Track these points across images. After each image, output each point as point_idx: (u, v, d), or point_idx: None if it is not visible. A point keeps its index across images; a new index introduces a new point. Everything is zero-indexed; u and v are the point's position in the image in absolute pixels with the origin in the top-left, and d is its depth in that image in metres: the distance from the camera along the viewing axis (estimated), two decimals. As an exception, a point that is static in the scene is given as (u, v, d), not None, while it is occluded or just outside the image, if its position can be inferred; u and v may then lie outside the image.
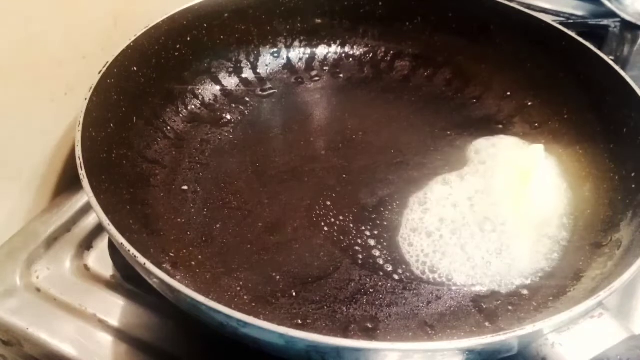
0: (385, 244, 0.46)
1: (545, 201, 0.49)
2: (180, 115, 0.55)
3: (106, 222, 0.36)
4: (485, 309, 0.41)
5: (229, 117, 0.57)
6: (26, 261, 0.47)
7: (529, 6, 0.74)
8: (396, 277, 0.43)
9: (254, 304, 0.41)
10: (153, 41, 0.52)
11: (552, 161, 0.52)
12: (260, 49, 0.62)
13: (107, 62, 0.47)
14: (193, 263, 0.44)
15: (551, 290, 0.42)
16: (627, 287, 0.44)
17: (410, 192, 0.50)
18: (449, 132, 0.56)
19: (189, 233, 0.46)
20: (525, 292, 0.42)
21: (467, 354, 0.32)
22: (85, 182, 0.39)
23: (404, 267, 0.44)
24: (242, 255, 0.45)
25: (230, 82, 0.60)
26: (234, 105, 0.58)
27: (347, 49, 0.64)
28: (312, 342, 0.31)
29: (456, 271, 0.44)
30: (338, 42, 0.64)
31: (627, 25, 0.71)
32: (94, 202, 0.37)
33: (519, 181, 0.50)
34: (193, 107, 0.57)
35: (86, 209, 0.51)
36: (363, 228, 0.47)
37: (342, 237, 0.46)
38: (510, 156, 0.52)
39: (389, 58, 0.63)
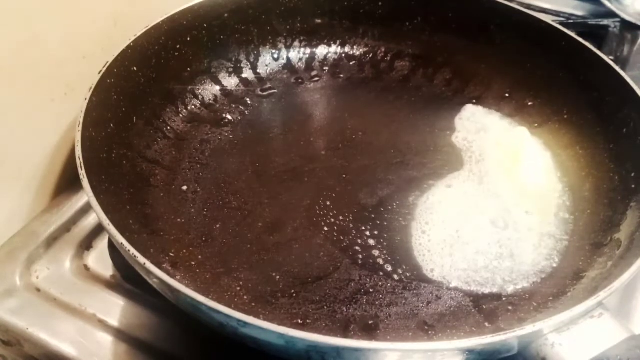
0: (385, 244, 0.46)
1: (539, 175, 0.51)
2: (180, 115, 0.55)
3: (106, 222, 0.37)
4: (485, 309, 0.41)
5: (229, 117, 0.57)
6: (26, 261, 0.47)
7: (529, 6, 0.74)
8: (396, 277, 0.43)
9: (254, 304, 0.41)
10: (153, 41, 0.52)
11: (537, 140, 0.54)
12: (260, 49, 0.62)
13: (107, 62, 0.47)
14: (193, 263, 0.44)
15: (551, 290, 0.42)
16: (627, 287, 0.44)
17: (411, 192, 0.50)
18: (448, 132, 0.56)
19: (189, 233, 0.46)
20: (525, 292, 0.42)
21: (467, 354, 0.32)
22: (85, 182, 0.39)
23: (404, 267, 0.44)
24: (242, 255, 0.45)
25: (230, 82, 0.60)
26: (234, 105, 0.58)
27: (347, 49, 0.64)
28: (312, 342, 0.31)
29: (456, 271, 0.44)
30: (338, 42, 0.64)
31: (627, 25, 0.71)
32: (94, 202, 0.37)
33: (511, 163, 0.51)
34: (193, 107, 0.57)
35: (86, 209, 0.51)
36: (363, 228, 0.47)
37: (342, 237, 0.46)
38: (499, 141, 0.54)
39: (389, 58, 0.63)
